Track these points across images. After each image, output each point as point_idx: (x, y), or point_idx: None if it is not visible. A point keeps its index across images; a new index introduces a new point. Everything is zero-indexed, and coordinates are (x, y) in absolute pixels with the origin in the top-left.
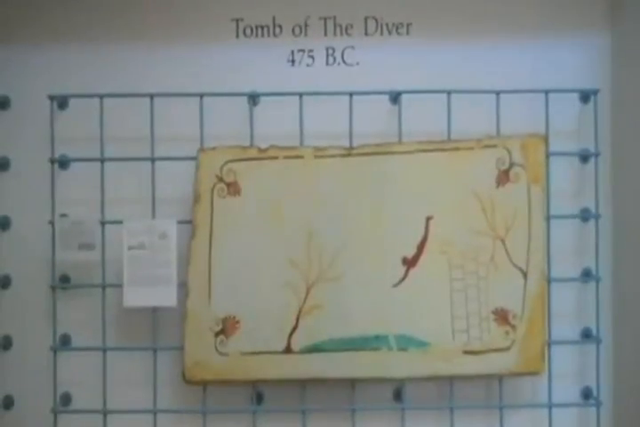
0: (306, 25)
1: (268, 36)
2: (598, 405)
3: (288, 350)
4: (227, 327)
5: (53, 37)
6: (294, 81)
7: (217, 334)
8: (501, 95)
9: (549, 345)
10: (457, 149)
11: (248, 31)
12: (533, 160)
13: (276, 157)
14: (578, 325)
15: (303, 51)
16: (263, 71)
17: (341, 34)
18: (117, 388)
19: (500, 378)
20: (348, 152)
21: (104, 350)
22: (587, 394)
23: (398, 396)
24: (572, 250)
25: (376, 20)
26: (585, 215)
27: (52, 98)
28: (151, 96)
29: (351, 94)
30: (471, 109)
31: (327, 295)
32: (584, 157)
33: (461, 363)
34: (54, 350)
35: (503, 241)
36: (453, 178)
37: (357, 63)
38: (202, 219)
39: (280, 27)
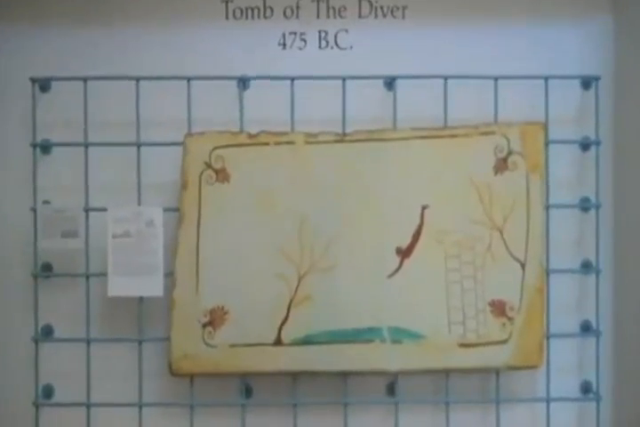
0: (297, 7)
1: (259, 17)
2: (598, 399)
3: (278, 342)
4: (215, 318)
5: (36, 18)
6: (285, 65)
7: (205, 326)
8: (500, 81)
9: (548, 338)
10: (454, 136)
11: (238, 13)
12: (532, 148)
13: (266, 143)
14: (577, 317)
15: (295, 34)
16: (253, 54)
17: (334, 16)
18: (101, 380)
19: (496, 372)
20: (341, 138)
21: (88, 342)
22: (586, 388)
23: (392, 390)
24: (571, 241)
25: (370, 3)
26: (585, 205)
27: (33, 80)
28: (137, 79)
29: (344, 79)
30: (468, 95)
31: (319, 286)
32: (584, 146)
33: (457, 356)
34: (36, 341)
35: (501, 231)
36: (450, 166)
37: (351, 47)
38: (189, 206)
39: (271, 8)
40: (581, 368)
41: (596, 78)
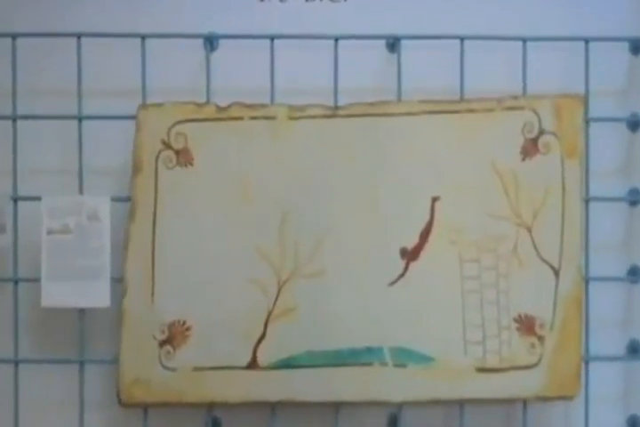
0: None
1: None
2: None
3: (254, 364)
4: (174, 335)
5: None
6: (264, 20)
7: (162, 344)
8: (529, 43)
9: (587, 362)
10: (472, 110)
11: None
12: (569, 127)
13: (239, 118)
14: (623, 336)
15: None
16: (224, 7)
17: None
18: (34, 410)
19: (523, 403)
20: (333, 113)
21: (16, 363)
22: (634, 424)
23: (394, 424)
24: (616, 241)
25: None
26: (634, 198)
27: None
28: (79, 36)
29: (337, 39)
30: (490, 61)
31: (304, 296)
32: (633, 124)
33: (475, 384)
34: None
35: (529, 229)
36: (467, 148)
37: None
38: (143, 196)
39: None
40: (628, 399)
41: None
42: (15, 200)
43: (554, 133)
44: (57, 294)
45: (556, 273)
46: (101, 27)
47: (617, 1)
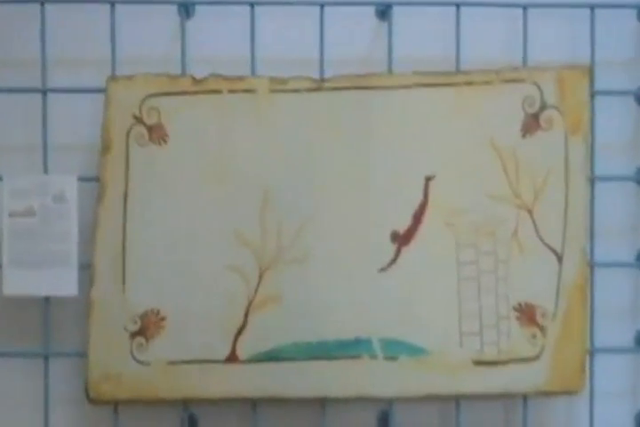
0: None
1: None
2: None
3: (233, 358)
4: (148, 326)
5: None
6: None
7: (134, 336)
8: (530, 10)
9: (592, 354)
10: (469, 83)
11: None
12: (573, 100)
13: (217, 91)
14: (631, 326)
15: None
16: None
17: None
18: None
19: (524, 398)
20: (319, 85)
21: None
22: None
23: (385, 421)
24: (624, 224)
25: None
26: None
27: None
28: (42, 2)
29: (322, 5)
30: (489, 30)
31: (288, 283)
32: None
33: (471, 378)
34: None
35: (530, 211)
36: (464, 123)
37: None
38: (113, 175)
39: None
40: (636, 393)
41: None
42: None
43: (557, 108)
44: (20, 281)
45: (559, 259)
46: None
47: None
